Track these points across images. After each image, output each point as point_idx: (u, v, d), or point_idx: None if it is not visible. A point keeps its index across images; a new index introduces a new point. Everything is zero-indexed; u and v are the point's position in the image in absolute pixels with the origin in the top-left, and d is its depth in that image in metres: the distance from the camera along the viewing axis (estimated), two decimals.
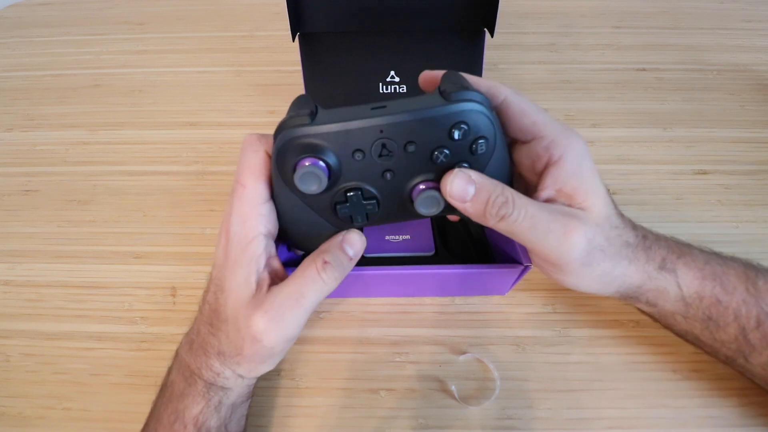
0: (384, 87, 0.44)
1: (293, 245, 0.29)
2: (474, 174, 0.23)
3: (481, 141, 0.23)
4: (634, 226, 0.27)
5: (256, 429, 0.30)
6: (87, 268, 0.39)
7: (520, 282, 0.33)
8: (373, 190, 0.24)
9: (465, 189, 0.23)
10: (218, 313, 0.25)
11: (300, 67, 0.44)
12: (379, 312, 0.36)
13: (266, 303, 0.24)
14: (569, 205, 0.25)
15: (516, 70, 0.56)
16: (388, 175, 0.24)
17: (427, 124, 0.22)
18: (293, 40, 0.41)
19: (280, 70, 0.57)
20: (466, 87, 0.23)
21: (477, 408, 0.31)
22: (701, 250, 0.28)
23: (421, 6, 0.40)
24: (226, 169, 0.46)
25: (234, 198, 0.25)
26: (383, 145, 0.23)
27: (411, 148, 0.23)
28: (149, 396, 0.27)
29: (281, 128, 0.23)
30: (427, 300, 0.36)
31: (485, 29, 0.41)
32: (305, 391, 0.32)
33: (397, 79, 0.43)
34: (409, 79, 0.43)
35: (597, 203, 0.25)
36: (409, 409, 0.31)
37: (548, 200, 0.25)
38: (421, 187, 0.24)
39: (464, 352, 0.33)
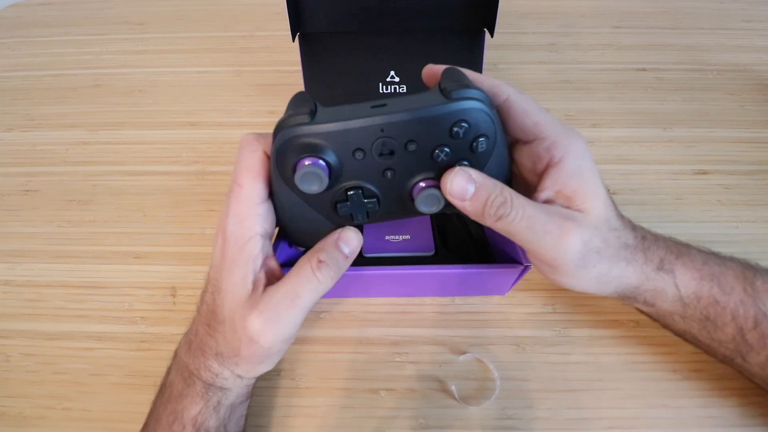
0: (384, 87, 0.44)
1: (294, 242, 0.29)
2: (474, 173, 0.23)
3: (481, 139, 0.23)
4: (634, 227, 0.27)
5: (255, 429, 0.30)
6: (87, 268, 0.39)
7: (520, 282, 0.33)
8: (373, 188, 0.24)
9: (465, 188, 0.23)
10: (215, 314, 0.25)
11: (300, 67, 0.44)
12: (379, 312, 0.36)
13: (262, 303, 0.24)
14: (568, 207, 0.25)
15: (516, 70, 0.56)
16: (388, 173, 0.24)
17: (428, 123, 0.22)
18: (293, 40, 0.41)
19: (280, 70, 0.57)
20: (467, 84, 0.23)
21: (477, 408, 0.31)
22: (700, 251, 0.28)
23: (421, 6, 0.40)
24: (226, 169, 0.46)
25: (231, 198, 0.24)
26: (384, 144, 0.23)
27: (412, 146, 0.23)
28: (149, 396, 0.27)
29: (280, 127, 0.23)
30: (427, 300, 0.36)
31: (485, 29, 0.41)
32: (305, 391, 0.32)
33: (397, 79, 0.43)
34: (409, 79, 0.43)
35: (596, 205, 0.25)
36: (409, 409, 0.31)
37: (547, 201, 0.25)
38: (422, 185, 0.24)
39: (464, 352, 0.33)
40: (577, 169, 0.25)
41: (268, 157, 0.24)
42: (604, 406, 0.31)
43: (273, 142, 0.23)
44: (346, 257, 0.25)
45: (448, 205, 0.24)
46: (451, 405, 0.31)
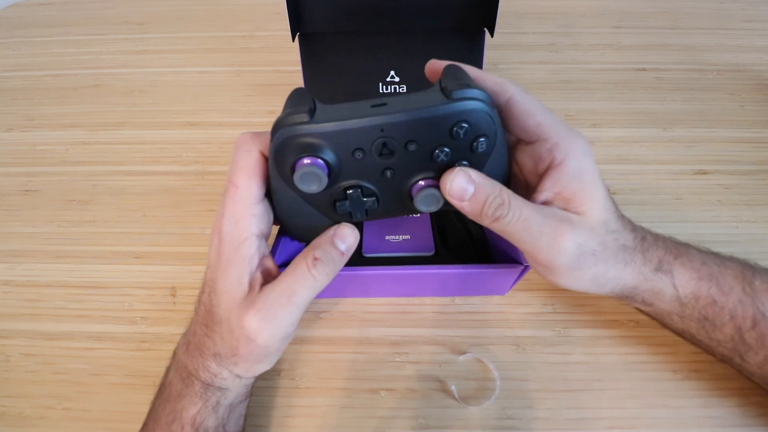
0: (384, 87, 0.44)
1: (293, 239, 0.29)
2: (474, 173, 0.23)
3: (481, 139, 0.23)
4: (634, 228, 0.27)
5: (255, 429, 0.30)
6: (87, 268, 0.39)
7: (520, 282, 0.33)
8: (372, 187, 0.24)
9: (464, 188, 0.23)
10: (212, 315, 0.25)
11: (300, 67, 0.44)
12: (379, 312, 0.36)
13: (258, 302, 0.24)
14: (566, 209, 0.25)
15: (516, 70, 0.56)
16: (388, 173, 0.24)
17: (428, 124, 0.22)
18: (293, 40, 0.41)
19: (280, 70, 0.57)
20: (468, 84, 0.23)
21: (477, 408, 0.31)
22: (699, 251, 0.28)
23: (421, 6, 0.40)
24: (226, 169, 0.45)
25: (227, 198, 0.24)
26: (384, 144, 0.22)
27: (412, 146, 0.23)
28: (149, 396, 0.27)
29: (279, 125, 0.22)
30: (427, 300, 0.36)
31: (485, 29, 0.41)
32: (305, 391, 0.32)
33: (397, 79, 0.43)
34: (409, 79, 0.43)
35: (594, 207, 0.25)
36: (409, 409, 0.31)
37: (546, 202, 0.25)
38: (421, 184, 0.24)
39: (464, 352, 0.33)
40: (578, 171, 0.24)
41: (265, 156, 0.24)
42: (604, 406, 0.31)
43: (271, 140, 0.23)
44: (342, 254, 0.25)
45: (447, 203, 0.24)
46: (451, 405, 0.31)
